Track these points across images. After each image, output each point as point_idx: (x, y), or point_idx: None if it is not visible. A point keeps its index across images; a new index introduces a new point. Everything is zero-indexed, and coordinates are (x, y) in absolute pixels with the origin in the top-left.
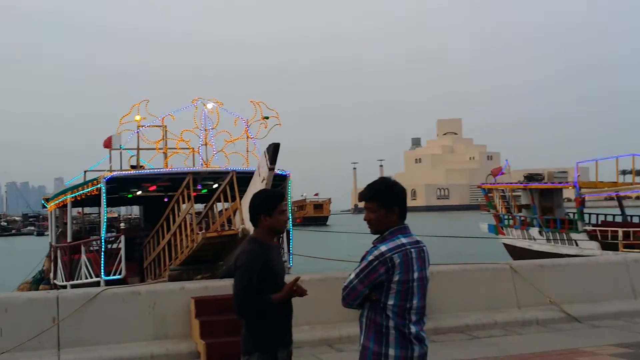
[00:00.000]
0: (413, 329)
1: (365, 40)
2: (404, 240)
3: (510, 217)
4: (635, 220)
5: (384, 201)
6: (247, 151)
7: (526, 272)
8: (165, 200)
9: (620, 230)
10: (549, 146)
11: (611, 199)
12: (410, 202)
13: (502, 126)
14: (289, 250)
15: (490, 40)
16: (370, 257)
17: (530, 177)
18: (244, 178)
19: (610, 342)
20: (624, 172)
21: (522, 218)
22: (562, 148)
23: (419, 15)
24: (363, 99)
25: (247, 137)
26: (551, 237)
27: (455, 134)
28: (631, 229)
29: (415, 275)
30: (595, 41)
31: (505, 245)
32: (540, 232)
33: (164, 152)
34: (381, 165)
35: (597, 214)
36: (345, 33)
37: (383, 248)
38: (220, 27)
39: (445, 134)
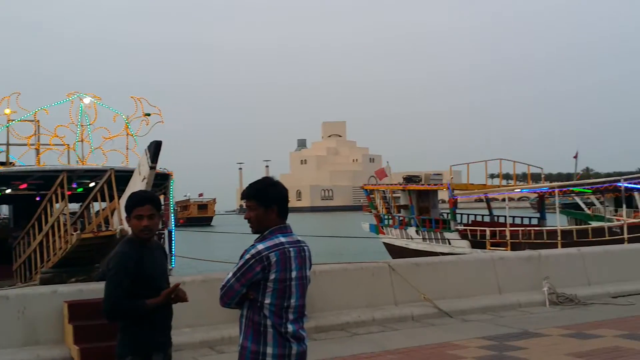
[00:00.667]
0: (290, 327)
1: (247, 41)
2: (283, 239)
3: (390, 217)
4: (502, 220)
5: (263, 200)
6: (127, 149)
7: (403, 270)
8: (38, 199)
9: (488, 230)
10: (427, 149)
11: (481, 200)
12: (295, 203)
13: (384, 129)
14: (170, 251)
15: (374, 44)
16: (247, 256)
17: (409, 179)
18: (124, 177)
19: (478, 335)
20: (492, 176)
21: (401, 218)
22: (439, 151)
23: (301, 18)
24: (250, 99)
25: (127, 134)
26: (427, 236)
27: (340, 136)
28: (497, 229)
29: (294, 274)
30: (468, 47)
31: (385, 244)
32: (417, 232)
33: (36, 148)
34: (267, 166)
35: (469, 214)
36: (220, 37)
37: (260, 247)
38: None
39: (330, 136)
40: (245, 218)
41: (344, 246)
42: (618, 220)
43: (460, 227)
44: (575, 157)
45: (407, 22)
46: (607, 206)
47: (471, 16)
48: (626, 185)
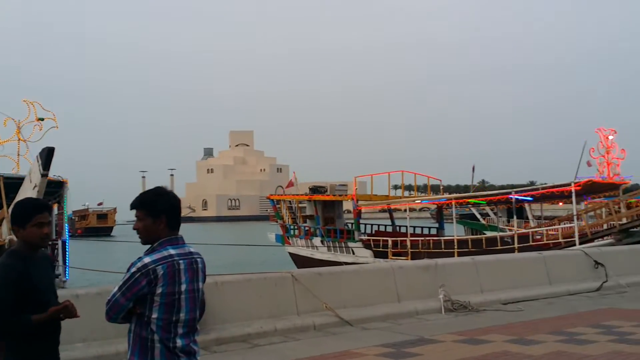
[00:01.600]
0: (179, 342)
1: (160, 42)
2: (172, 251)
3: (296, 227)
4: (404, 230)
5: (151, 210)
6: (19, 155)
7: (306, 280)
8: None
9: (389, 240)
10: (334, 160)
11: (385, 210)
12: (201, 213)
13: (292, 140)
14: (65, 262)
15: (287, 55)
16: (133, 270)
17: (315, 189)
18: (14, 184)
19: (377, 343)
20: (395, 187)
21: (307, 228)
22: (345, 162)
23: (214, 25)
24: (155, 106)
25: (19, 139)
26: (331, 246)
27: (247, 145)
28: (399, 239)
29: (184, 287)
30: (380, 65)
31: (291, 254)
32: (322, 242)
33: None
34: (172, 175)
35: (372, 225)
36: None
37: (147, 260)
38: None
39: (237, 146)
40: (134, 229)
41: (250, 256)
42: (510, 230)
43: (364, 237)
44: (473, 170)
45: (322, 36)
46: (500, 217)
47: (385, 35)
48: (516, 197)
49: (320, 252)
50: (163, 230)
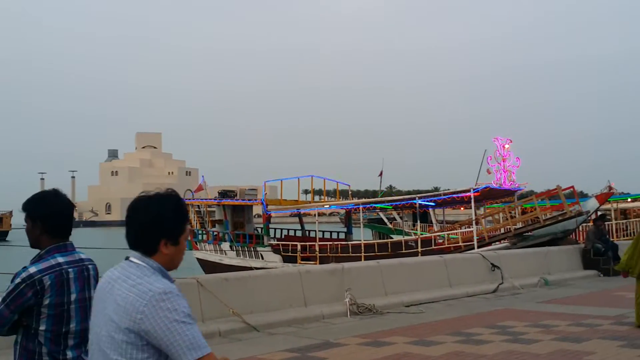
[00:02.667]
0: (70, 354)
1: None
2: (60, 259)
3: (204, 232)
4: (313, 235)
5: (34, 214)
6: None
7: (212, 285)
8: None
9: (299, 244)
10: (244, 164)
11: (295, 215)
12: (104, 217)
13: (201, 143)
14: None
15: (196, 54)
16: (18, 280)
17: (224, 194)
18: None
19: (282, 348)
20: (305, 192)
21: (215, 233)
22: (256, 167)
23: (122, 24)
24: (54, 104)
25: None
26: (240, 251)
27: (155, 148)
28: (308, 243)
29: (73, 297)
30: (297, 69)
31: (199, 259)
32: (231, 247)
33: None
34: (73, 177)
35: (282, 229)
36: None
37: (32, 269)
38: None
39: (144, 148)
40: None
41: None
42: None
43: (273, 242)
44: (380, 175)
45: (238, 37)
46: (406, 221)
47: (296, 40)
48: (420, 202)
49: (229, 257)
50: (42, 235)
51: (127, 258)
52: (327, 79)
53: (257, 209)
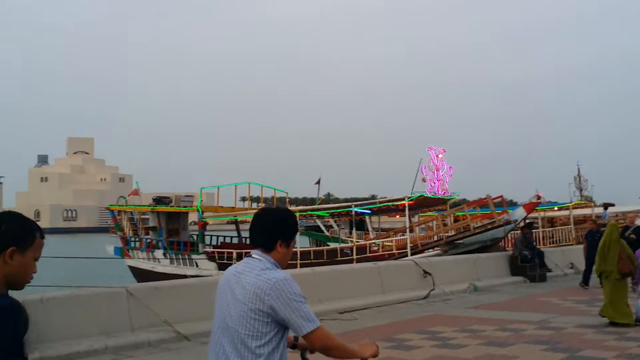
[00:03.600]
0: None
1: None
2: None
3: (137, 239)
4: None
5: None
6: None
7: (142, 294)
8: None
9: (234, 252)
10: (180, 170)
11: (232, 222)
12: None
13: (136, 149)
14: None
15: (132, 58)
16: None
17: (159, 200)
18: None
19: None
20: (243, 199)
21: (149, 240)
22: (193, 173)
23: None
24: None
25: None
26: (174, 259)
27: (87, 153)
28: (244, 250)
29: None
30: (232, 73)
31: (131, 267)
32: (164, 254)
33: None
34: (0, 182)
35: (218, 236)
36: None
37: None
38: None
39: (75, 153)
40: None
41: (86, 270)
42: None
43: (209, 250)
44: (318, 183)
45: (178, 40)
46: (342, 229)
47: (232, 44)
48: (356, 210)
49: (162, 264)
50: None
51: (248, 255)
52: (269, 84)
53: (193, 216)
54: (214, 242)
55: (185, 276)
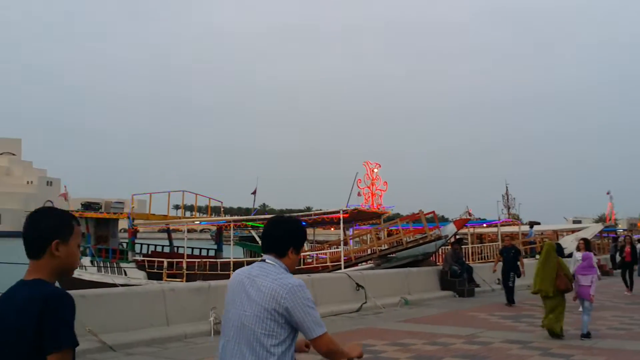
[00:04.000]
0: None
1: None
2: None
3: None
4: (182, 251)
5: None
6: None
7: None
8: None
9: (165, 261)
10: (112, 176)
11: (164, 230)
12: None
13: (65, 152)
14: None
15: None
16: None
17: (88, 206)
18: None
19: None
20: (176, 207)
21: None
22: (124, 179)
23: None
24: None
25: None
26: (102, 267)
27: (14, 154)
28: (175, 260)
29: None
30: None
31: None
32: (92, 262)
33: None
34: None
35: (149, 245)
36: None
37: None
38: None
39: (1, 154)
40: None
41: (8, 276)
42: None
43: (139, 258)
44: (254, 193)
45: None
46: None
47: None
48: None
49: (90, 272)
50: None
51: (262, 260)
52: (203, 93)
53: (124, 223)
54: (144, 251)
55: (113, 285)
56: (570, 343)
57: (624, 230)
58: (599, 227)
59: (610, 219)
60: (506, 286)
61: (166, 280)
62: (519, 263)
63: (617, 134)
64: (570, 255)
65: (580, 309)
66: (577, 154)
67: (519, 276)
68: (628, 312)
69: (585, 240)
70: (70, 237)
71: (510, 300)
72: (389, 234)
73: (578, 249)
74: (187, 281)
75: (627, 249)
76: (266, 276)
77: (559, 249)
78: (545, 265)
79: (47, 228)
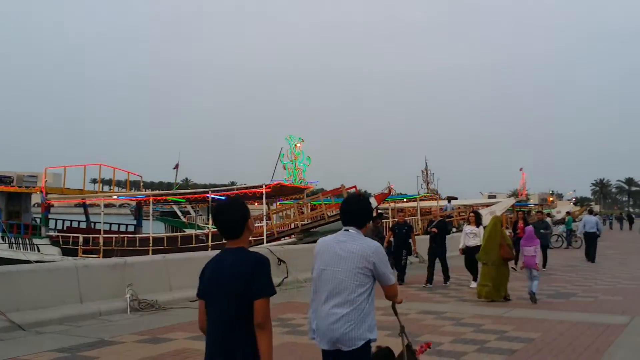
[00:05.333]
0: None
1: None
2: None
3: None
4: (99, 227)
5: None
6: None
7: None
8: None
9: (81, 237)
10: (24, 148)
11: (80, 205)
12: None
13: None
14: None
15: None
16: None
17: None
18: None
19: (51, 348)
20: (94, 181)
21: None
22: (38, 152)
23: None
24: None
25: None
26: (14, 243)
27: None
28: (91, 236)
29: None
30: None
31: None
32: (2, 238)
33: None
34: None
35: (64, 220)
36: None
37: None
38: None
39: None
40: None
41: None
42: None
43: (53, 234)
44: (176, 168)
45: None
46: (200, 215)
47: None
48: (213, 196)
49: (1, 249)
50: None
51: (346, 230)
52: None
53: (37, 198)
54: (59, 226)
55: (26, 261)
56: (482, 313)
57: (536, 204)
58: (511, 201)
59: (522, 194)
60: (398, 265)
61: (82, 257)
62: (410, 240)
63: (521, 113)
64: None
65: (528, 276)
66: (495, 132)
67: (410, 254)
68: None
69: (475, 212)
70: (250, 217)
71: (401, 279)
72: (313, 209)
73: (468, 222)
74: (104, 257)
75: (520, 224)
76: (353, 241)
77: (478, 218)
78: (491, 237)
79: (245, 214)
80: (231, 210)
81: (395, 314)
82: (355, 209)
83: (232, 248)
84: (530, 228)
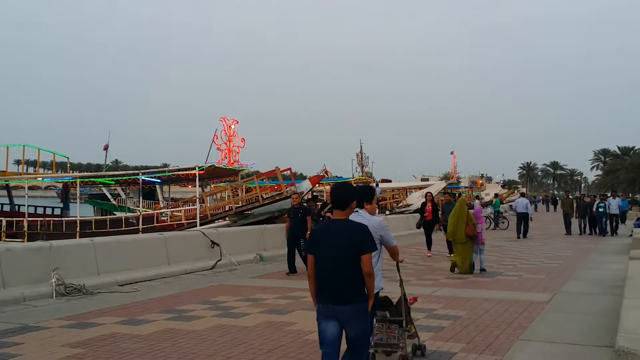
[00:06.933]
0: None
1: None
2: None
3: None
4: (23, 210)
5: None
6: None
7: None
8: None
9: (4, 220)
10: None
11: (3, 187)
12: None
13: None
14: None
15: None
16: None
17: None
18: None
19: None
20: (18, 162)
21: None
22: None
23: None
24: None
25: None
26: None
27: None
28: (15, 219)
29: None
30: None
31: None
32: None
33: None
34: None
35: None
36: None
37: None
38: None
39: None
40: None
41: None
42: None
43: None
44: (105, 149)
45: None
46: (131, 197)
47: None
48: (144, 178)
49: None
50: None
51: (356, 211)
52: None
53: None
54: None
55: None
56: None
57: (466, 187)
58: (443, 184)
59: (453, 177)
60: (295, 256)
61: (4, 241)
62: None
63: (462, 96)
64: (417, 211)
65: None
66: (427, 117)
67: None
68: None
69: (431, 193)
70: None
71: (293, 270)
72: (247, 191)
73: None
74: (28, 241)
75: (429, 206)
76: (363, 218)
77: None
78: (458, 217)
79: (357, 192)
80: (343, 189)
81: (397, 270)
82: (354, 194)
83: (336, 219)
84: (479, 208)
